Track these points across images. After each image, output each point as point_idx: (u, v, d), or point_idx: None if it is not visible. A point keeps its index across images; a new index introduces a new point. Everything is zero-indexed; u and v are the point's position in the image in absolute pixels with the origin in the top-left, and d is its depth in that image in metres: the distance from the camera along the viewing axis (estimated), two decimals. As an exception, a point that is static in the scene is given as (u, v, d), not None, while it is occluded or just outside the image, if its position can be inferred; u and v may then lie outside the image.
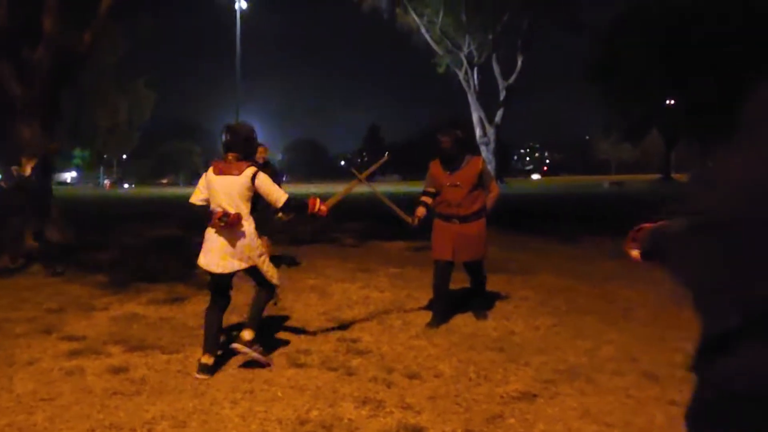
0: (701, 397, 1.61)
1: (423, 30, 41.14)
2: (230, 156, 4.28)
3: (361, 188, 5.80)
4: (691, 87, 40.48)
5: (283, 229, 4.54)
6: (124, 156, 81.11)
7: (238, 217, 4.17)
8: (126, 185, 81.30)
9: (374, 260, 9.28)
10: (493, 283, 6.52)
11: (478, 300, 5.80)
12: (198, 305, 6.27)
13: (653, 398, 3.73)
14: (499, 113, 42.88)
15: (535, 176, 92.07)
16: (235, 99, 40.13)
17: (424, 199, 5.50)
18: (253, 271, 4.38)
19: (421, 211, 5.45)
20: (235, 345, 4.33)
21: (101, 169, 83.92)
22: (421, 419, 3.45)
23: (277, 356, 4.61)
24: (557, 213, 17.98)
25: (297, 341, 4.99)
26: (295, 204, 4.39)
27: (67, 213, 11.37)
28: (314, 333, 5.24)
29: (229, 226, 4.17)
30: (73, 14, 10.57)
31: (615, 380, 4.04)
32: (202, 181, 4.36)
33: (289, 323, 5.60)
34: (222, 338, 4.62)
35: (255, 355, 4.32)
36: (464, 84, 43.08)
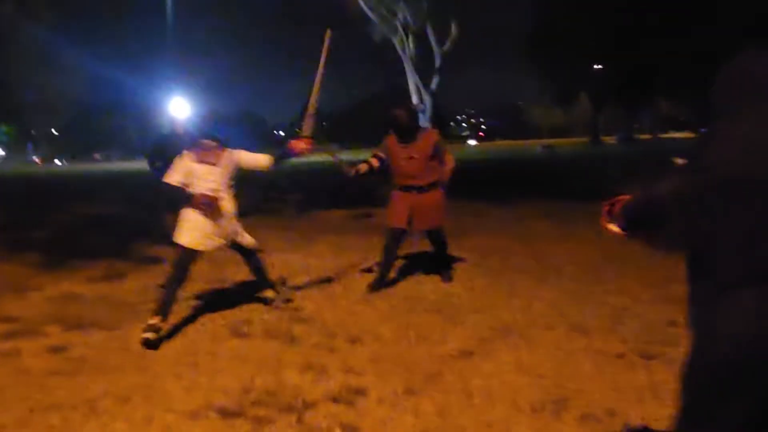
0: (701, 361, 1.58)
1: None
2: (208, 143, 4.61)
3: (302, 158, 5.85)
4: (618, 53, 41.66)
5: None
6: (55, 131, 77.25)
7: (216, 201, 4.53)
8: (58, 161, 77.59)
9: (315, 229, 9.33)
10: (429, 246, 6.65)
11: (443, 265, 5.95)
12: (137, 281, 6.20)
13: (581, 349, 3.95)
14: (435, 80, 42.93)
15: (472, 142, 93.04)
16: (169, 73, 38.72)
17: (370, 159, 5.61)
18: (233, 245, 4.79)
19: (363, 166, 5.60)
20: (273, 305, 5.07)
21: (30, 145, 79.81)
22: (363, 381, 3.56)
23: (220, 327, 4.65)
24: (493, 177, 18.32)
25: (239, 312, 5.02)
26: (280, 155, 4.81)
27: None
28: (256, 303, 5.27)
29: (210, 209, 4.52)
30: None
31: (546, 334, 4.25)
32: (180, 164, 4.56)
33: (231, 294, 5.62)
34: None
35: (286, 299, 5.17)
36: (400, 51, 42.89)
